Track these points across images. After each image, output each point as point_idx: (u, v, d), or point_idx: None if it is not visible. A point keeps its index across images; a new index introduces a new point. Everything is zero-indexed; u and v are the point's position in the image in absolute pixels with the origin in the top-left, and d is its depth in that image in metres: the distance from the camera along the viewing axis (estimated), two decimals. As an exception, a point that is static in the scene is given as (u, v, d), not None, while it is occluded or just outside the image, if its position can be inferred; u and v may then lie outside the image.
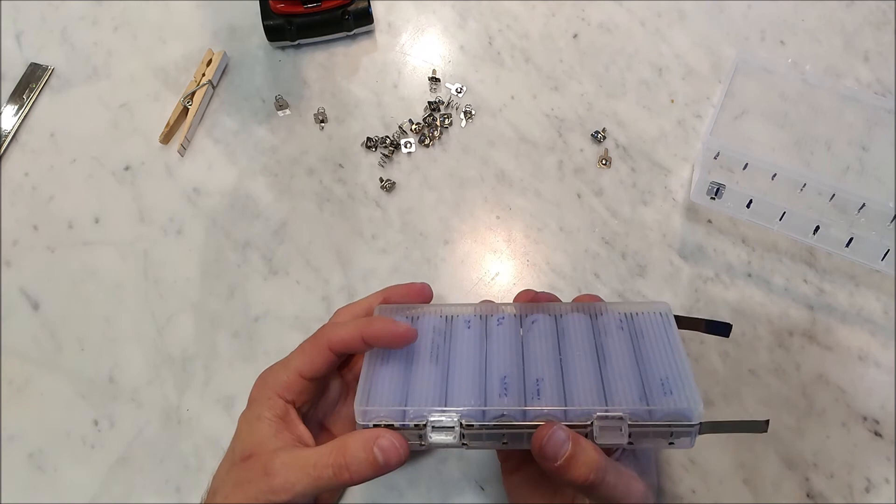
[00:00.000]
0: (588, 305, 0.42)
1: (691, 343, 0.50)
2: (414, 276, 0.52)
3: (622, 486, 0.36)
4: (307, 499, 0.36)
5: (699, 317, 0.42)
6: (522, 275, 0.52)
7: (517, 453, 0.42)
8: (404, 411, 0.37)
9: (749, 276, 0.52)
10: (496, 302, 0.43)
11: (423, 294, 0.44)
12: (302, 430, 0.40)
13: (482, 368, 0.39)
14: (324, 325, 0.41)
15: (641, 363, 0.39)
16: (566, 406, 0.37)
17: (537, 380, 0.38)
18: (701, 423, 0.36)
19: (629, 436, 0.36)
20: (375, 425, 0.37)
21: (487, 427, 0.36)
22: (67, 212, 0.54)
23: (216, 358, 0.50)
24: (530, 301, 0.43)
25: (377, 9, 0.60)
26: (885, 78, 0.57)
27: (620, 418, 0.36)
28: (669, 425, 0.36)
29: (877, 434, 0.48)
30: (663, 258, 0.52)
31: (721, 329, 0.42)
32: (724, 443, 0.47)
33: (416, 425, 0.36)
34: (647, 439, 0.36)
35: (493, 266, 0.52)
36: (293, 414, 0.39)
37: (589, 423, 0.36)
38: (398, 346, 0.39)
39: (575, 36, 0.59)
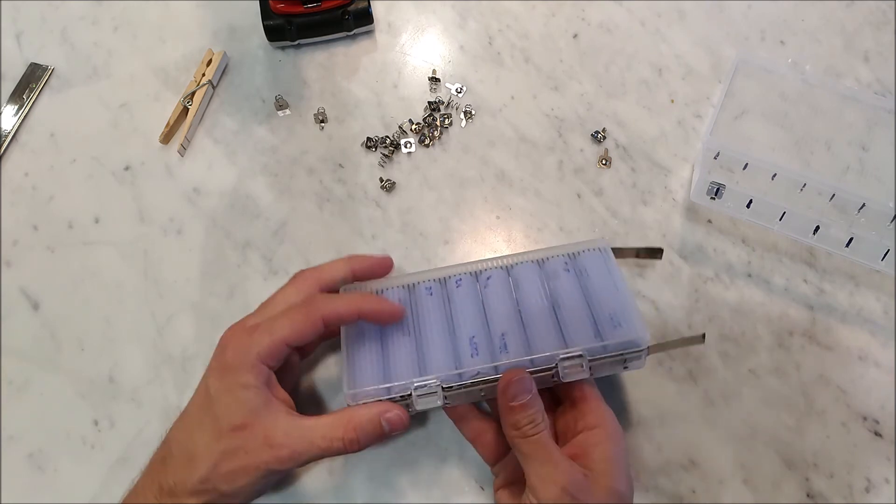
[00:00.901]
0: (534, 252, 0.46)
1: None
2: (414, 276, 0.52)
3: (551, 450, 0.38)
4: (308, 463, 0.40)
5: (631, 246, 0.48)
6: (522, 275, 0.52)
7: (509, 467, 0.43)
8: (389, 388, 0.41)
9: (749, 276, 0.52)
10: (451, 265, 0.47)
11: (385, 267, 0.46)
12: (284, 395, 0.41)
13: (451, 331, 0.43)
14: (312, 297, 0.42)
15: (590, 300, 0.43)
16: (531, 355, 0.41)
17: (502, 334, 0.42)
18: (648, 346, 0.40)
19: (590, 369, 0.40)
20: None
21: (465, 386, 0.40)
22: (67, 212, 0.54)
23: (216, 358, 0.50)
24: None
25: (377, 9, 0.60)
26: (885, 78, 0.57)
27: (580, 356, 0.40)
28: (622, 353, 0.40)
29: (877, 434, 0.48)
30: (663, 258, 0.52)
31: (653, 253, 0.48)
32: (724, 443, 0.47)
33: (402, 397, 0.40)
34: (604, 368, 0.41)
35: (493, 266, 0.52)
36: (274, 379, 0.40)
37: (553, 365, 0.40)
38: (390, 323, 0.43)
39: (575, 36, 0.59)
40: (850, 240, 0.48)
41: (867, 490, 0.47)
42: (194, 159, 0.56)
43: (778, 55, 0.59)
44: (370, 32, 0.59)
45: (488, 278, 0.45)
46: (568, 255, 0.46)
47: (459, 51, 0.59)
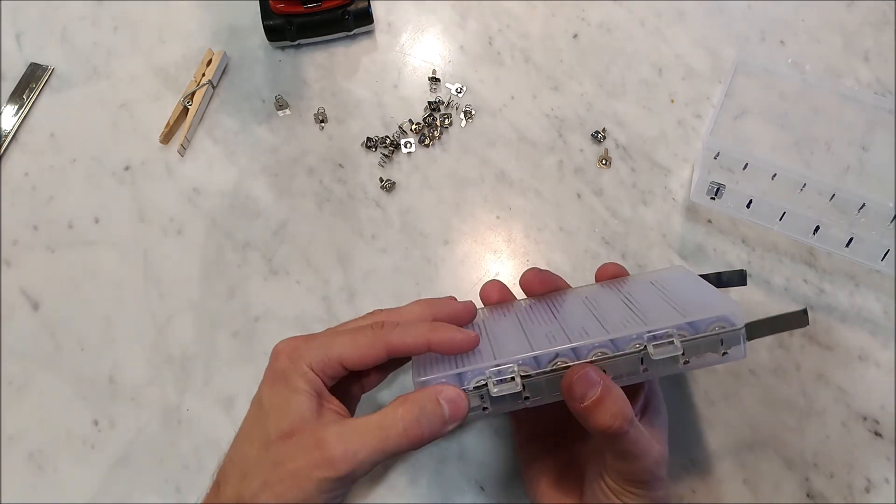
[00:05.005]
0: (611, 282, 0.44)
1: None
2: (414, 276, 0.52)
3: (643, 443, 0.36)
4: (367, 469, 0.34)
5: (712, 272, 0.44)
6: (522, 275, 0.52)
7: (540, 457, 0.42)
8: (461, 373, 0.36)
9: (749, 276, 0.52)
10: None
11: (469, 313, 0.41)
12: (338, 405, 0.37)
13: (524, 333, 0.39)
14: (381, 322, 0.38)
15: (673, 300, 0.39)
16: (613, 336, 0.37)
17: (582, 326, 0.38)
18: (746, 324, 0.36)
19: (683, 352, 0.36)
20: None
21: (545, 373, 0.36)
22: (67, 212, 0.54)
23: (216, 358, 0.50)
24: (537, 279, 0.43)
25: (377, 9, 0.60)
26: (885, 78, 0.57)
27: (669, 335, 0.36)
28: (717, 333, 0.36)
29: (877, 434, 0.48)
30: (663, 258, 0.52)
31: (736, 278, 0.44)
32: (724, 443, 0.47)
33: (476, 387, 0.36)
34: (699, 354, 0.37)
35: (493, 266, 0.53)
36: (326, 390, 0.37)
37: (641, 346, 0.36)
38: (461, 352, 0.38)
39: (575, 36, 0.59)
40: (850, 240, 0.48)
41: (867, 490, 0.47)
42: (194, 159, 0.56)
43: (778, 55, 0.59)
44: (370, 32, 0.59)
45: (563, 301, 0.42)
46: (648, 281, 0.43)
47: (459, 51, 0.59)
